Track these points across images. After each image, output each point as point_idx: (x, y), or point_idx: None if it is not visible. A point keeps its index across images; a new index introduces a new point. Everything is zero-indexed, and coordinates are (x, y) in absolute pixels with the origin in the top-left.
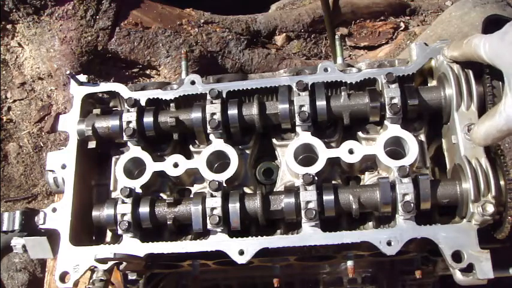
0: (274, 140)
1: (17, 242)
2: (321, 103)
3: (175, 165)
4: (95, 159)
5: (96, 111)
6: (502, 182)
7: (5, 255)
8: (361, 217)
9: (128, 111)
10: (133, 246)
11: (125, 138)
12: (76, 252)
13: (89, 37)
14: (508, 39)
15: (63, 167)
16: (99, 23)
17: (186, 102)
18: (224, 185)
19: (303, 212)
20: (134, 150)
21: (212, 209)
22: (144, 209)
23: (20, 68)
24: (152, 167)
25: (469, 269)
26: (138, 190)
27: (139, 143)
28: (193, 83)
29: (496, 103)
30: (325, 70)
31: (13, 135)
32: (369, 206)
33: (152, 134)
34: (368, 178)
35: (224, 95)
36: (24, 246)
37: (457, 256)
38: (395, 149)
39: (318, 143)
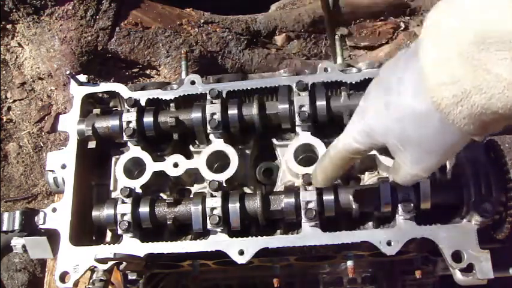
0: (274, 140)
1: (17, 242)
2: (321, 103)
3: (175, 165)
4: (95, 159)
5: (96, 111)
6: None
7: (5, 255)
8: (361, 217)
9: (128, 111)
10: (133, 246)
11: (125, 138)
12: (76, 252)
13: (89, 37)
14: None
15: (63, 167)
16: (99, 23)
17: (186, 102)
18: (224, 185)
19: (303, 212)
20: (134, 150)
21: (212, 209)
22: (144, 209)
23: (20, 68)
24: (152, 167)
25: (469, 269)
26: (138, 190)
27: (139, 143)
28: (193, 83)
29: None
30: (325, 70)
31: (13, 135)
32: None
33: (152, 134)
34: (368, 178)
35: (224, 95)
36: (24, 246)
37: (457, 256)
38: None
39: (318, 143)
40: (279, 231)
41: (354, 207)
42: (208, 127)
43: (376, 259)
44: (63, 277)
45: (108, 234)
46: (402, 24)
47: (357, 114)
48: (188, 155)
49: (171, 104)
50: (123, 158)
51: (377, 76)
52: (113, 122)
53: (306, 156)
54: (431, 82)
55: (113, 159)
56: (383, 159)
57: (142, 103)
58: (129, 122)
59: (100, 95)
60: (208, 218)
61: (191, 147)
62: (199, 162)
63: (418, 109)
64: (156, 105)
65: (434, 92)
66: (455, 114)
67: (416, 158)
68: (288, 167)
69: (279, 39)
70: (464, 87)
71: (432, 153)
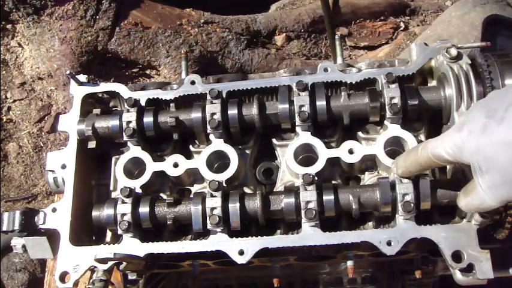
0: (274, 140)
1: (17, 242)
2: (321, 103)
3: (175, 165)
4: (95, 159)
5: (96, 111)
6: None
7: (5, 255)
8: (361, 217)
9: (128, 111)
10: (133, 246)
11: (125, 138)
12: (76, 252)
13: (89, 37)
14: (493, 135)
15: (63, 167)
16: (99, 23)
17: (186, 102)
18: (224, 185)
19: (303, 212)
20: (134, 150)
21: (212, 209)
22: (144, 209)
23: (20, 68)
24: (152, 167)
25: (469, 269)
26: (138, 190)
27: (139, 143)
28: (193, 83)
29: None
30: (325, 70)
31: (13, 135)
32: (369, 206)
33: (152, 134)
34: (368, 178)
35: (224, 95)
36: (24, 246)
37: (457, 256)
38: (395, 149)
39: (318, 143)
40: (279, 231)
41: (354, 207)
42: (208, 127)
43: (376, 259)
44: (63, 277)
45: (108, 234)
46: (402, 24)
47: (456, 126)
48: (188, 155)
49: (171, 104)
50: (123, 158)
51: (485, 98)
52: (113, 122)
53: (306, 156)
54: None
55: (113, 159)
56: (383, 159)
57: (142, 103)
58: (129, 122)
59: (100, 95)
60: (208, 218)
61: (191, 147)
62: (199, 162)
63: None
64: (156, 105)
65: None
66: None
67: (496, 183)
68: (288, 167)
69: (279, 39)
70: None
71: None
